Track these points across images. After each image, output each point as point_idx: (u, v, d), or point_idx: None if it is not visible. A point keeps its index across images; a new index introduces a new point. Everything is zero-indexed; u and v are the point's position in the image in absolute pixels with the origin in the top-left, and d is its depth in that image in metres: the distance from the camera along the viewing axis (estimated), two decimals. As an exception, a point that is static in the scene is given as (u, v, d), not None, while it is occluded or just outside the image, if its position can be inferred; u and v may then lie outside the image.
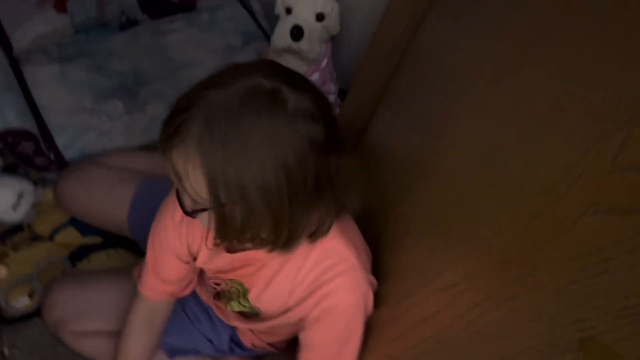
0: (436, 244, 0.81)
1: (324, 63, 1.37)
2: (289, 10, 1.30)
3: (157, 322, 0.98)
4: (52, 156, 1.24)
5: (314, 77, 1.36)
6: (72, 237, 1.24)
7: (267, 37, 1.52)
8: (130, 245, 1.25)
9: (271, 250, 0.73)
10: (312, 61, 1.33)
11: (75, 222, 1.25)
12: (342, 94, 1.52)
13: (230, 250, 0.80)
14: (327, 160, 0.67)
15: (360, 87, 1.28)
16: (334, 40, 1.40)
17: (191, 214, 0.69)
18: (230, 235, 0.68)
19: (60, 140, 1.24)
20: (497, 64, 0.71)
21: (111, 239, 1.25)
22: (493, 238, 0.66)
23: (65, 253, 1.23)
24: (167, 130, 0.64)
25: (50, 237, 1.24)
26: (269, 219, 0.66)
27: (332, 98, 1.44)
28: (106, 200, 1.17)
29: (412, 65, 1.07)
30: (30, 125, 1.12)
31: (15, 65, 1.30)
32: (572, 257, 0.52)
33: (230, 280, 0.88)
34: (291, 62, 1.33)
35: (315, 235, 0.74)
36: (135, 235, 1.18)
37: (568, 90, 0.56)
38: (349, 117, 1.38)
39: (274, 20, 1.40)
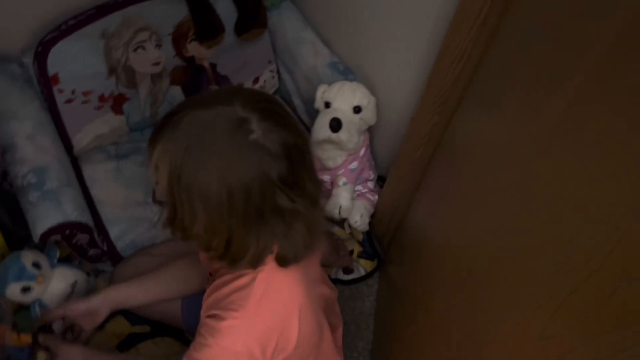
0: (475, 327, 0.81)
1: (362, 152, 1.42)
2: (328, 105, 1.38)
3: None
4: (105, 247, 1.31)
5: (353, 165, 1.41)
6: (122, 326, 1.28)
7: (308, 130, 1.60)
8: (177, 334, 1.28)
9: (215, 258, 0.81)
10: (350, 150, 1.39)
11: (124, 312, 1.28)
12: (381, 180, 1.56)
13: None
14: (276, 196, 0.73)
15: (398, 174, 1.32)
16: (372, 130, 1.47)
17: (157, 201, 0.80)
18: (176, 227, 0.78)
19: (113, 232, 1.30)
20: (528, 148, 0.74)
21: (159, 328, 1.28)
22: (532, 316, 0.66)
23: (115, 342, 1.26)
24: (157, 127, 0.76)
25: (101, 326, 1.28)
26: (207, 225, 0.75)
27: (370, 185, 1.48)
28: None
29: (448, 152, 1.11)
30: (86, 219, 1.19)
31: (75, 163, 1.40)
32: (610, 329, 0.52)
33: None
34: (331, 152, 1.39)
35: (252, 261, 0.79)
36: (188, 322, 1.21)
37: (598, 168, 0.58)
38: (388, 203, 1.41)
39: (314, 115, 1.48)
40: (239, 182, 0.70)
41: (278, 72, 1.65)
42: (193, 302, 1.19)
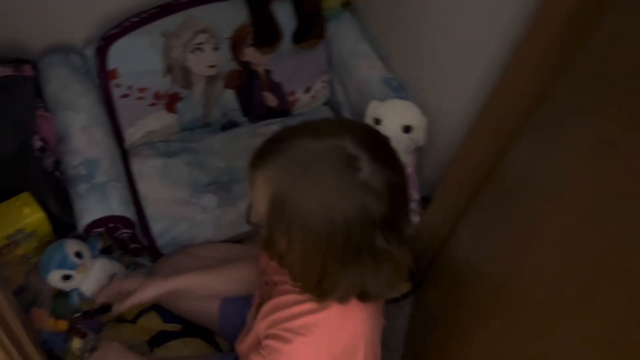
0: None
1: (408, 172, 1.40)
2: (377, 121, 1.36)
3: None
4: (145, 242, 1.33)
5: (398, 185, 1.39)
6: (154, 322, 1.30)
7: (356, 143, 1.59)
8: (207, 336, 1.29)
9: (303, 291, 0.80)
10: (396, 170, 1.37)
11: (157, 308, 1.30)
12: (424, 201, 1.54)
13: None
14: (376, 235, 0.72)
15: (443, 199, 1.29)
16: (419, 150, 1.44)
17: (252, 224, 0.81)
18: (272, 253, 0.79)
19: (155, 228, 1.33)
20: (591, 192, 0.71)
21: (190, 328, 1.29)
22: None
23: (146, 337, 1.28)
24: (261, 151, 0.76)
25: (134, 320, 1.30)
26: (302, 257, 0.74)
27: (413, 206, 1.46)
28: (195, 305, 1.22)
29: (500, 183, 1.08)
30: (130, 214, 1.22)
31: (125, 157, 1.43)
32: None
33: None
34: (376, 170, 1.37)
35: (340, 297, 0.79)
36: (223, 324, 1.22)
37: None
38: (430, 227, 1.39)
39: (363, 128, 1.47)
40: (342, 218, 0.69)
41: (330, 82, 1.64)
42: (231, 306, 1.21)
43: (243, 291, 1.15)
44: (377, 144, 0.74)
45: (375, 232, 0.71)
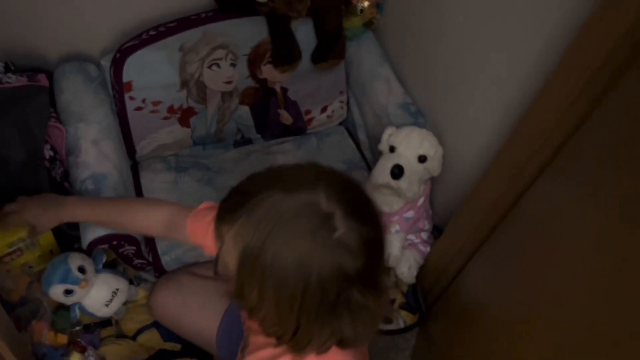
0: None
1: (420, 201, 1.37)
2: (392, 149, 1.33)
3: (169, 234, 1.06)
4: (150, 258, 1.31)
5: (409, 214, 1.36)
6: (154, 340, 1.28)
7: (369, 167, 1.56)
8: (206, 357, 1.27)
9: (277, 344, 0.76)
10: (409, 199, 1.34)
11: (158, 325, 1.29)
12: (435, 229, 1.51)
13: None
14: (351, 291, 0.69)
15: (455, 235, 1.27)
16: (433, 178, 1.41)
17: (219, 275, 0.77)
18: (242, 305, 0.75)
19: (160, 246, 1.31)
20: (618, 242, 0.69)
21: (189, 348, 1.27)
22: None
23: (145, 355, 1.26)
24: (228, 203, 0.73)
25: (134, 337, 1.29)
26: (276, 312, 0.71)
27: (424, 236, 1.43)
28: (200, 313, 1.21)
29: (517, 224, 1.04)
30: (136, 232, 1.20)
31: (134, 169, 1.42)
32: None
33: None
34: (388, 198, 1.34)
35: (317, 348, 0.75)
36: (221, 349, 1.20)
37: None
38: (440, 259, 1.36)
39: (377, 150, 1.44)
40: (317, 277, 0.67)
41: (348, 103, 1.61)
42: (229, 330, 1.19)
43: (156, 233, 1.13)
44: (353, 199, 0.71)
45: (351, 287, 0.69)
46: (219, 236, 0.73)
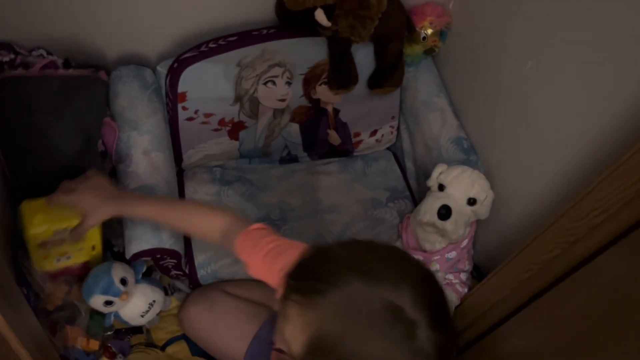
0: None
1: (464, 243, 1.34)
2: (441, 187, 1.31)
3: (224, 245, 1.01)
4: (187, 270, 1.31)
5: (451, 255, 1.33)
6: (182, 353, 1.29)
7: (413, 197, 1.54)
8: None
9: None
10: (453, 241, 1.31)
11: (187, 339, 1.29)
12: (475, 269, 1.48)
13: None
14: None
15: (501, 281, 1.23)
16: (479, 219, 1.38)
17: (277, 349, 0.73)
18: None
19: (198, 259, 1.30)
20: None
21: (217, 366, 1.28)
22: None
23: (172, 366, 1.27)
24: (300, 283, 0.68)
25: (163, 347, 1.29)
26: None
27: (463, 277, 1.40)
28: (229, 334, 1.20)
29: (570, 294, 1.01)
30: (179, 247, 1.20)
31: (180, 176, 1.41)
32: None
33: None
34: (431, 236, 1.32)
35: None
36: None
37: None
38: (479, 303, 1.33)
39: (423, 180, 1.41)
40: None
41: (398, 129, 1.59)
42: (258, 354, 1.18)
43: (211, 240, 1.06)
44: (436, 304, 0.67)
45: None
46: (284, 313, 0.69)
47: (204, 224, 1.04)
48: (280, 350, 0.73)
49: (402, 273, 0.67)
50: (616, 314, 0.81)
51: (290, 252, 0.88)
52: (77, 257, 1.20)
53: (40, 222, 1.03)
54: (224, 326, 1.23)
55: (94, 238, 1.18)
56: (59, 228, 1.11)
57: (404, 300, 0.63)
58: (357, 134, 1.55)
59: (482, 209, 1.30)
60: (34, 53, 1.25)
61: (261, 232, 0.97)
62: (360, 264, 0.67)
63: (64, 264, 1.17)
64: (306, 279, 0.68)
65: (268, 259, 0.92)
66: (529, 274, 1.12)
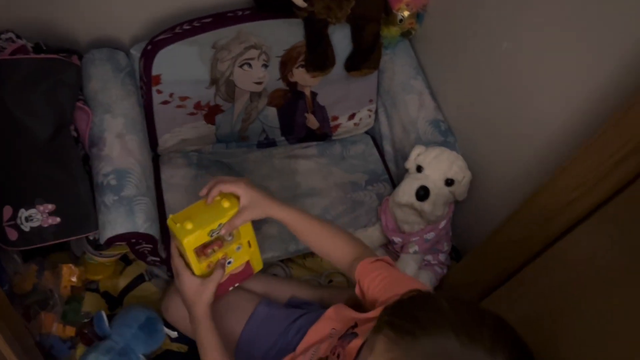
0: None
1: (442, 224, 1.35)
2: (419, 169, 1.31)
3: None
4: (164, 254, 1.29)
5: (429, 236, 1.34)
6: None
7: (392, 180, 1.53)
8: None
9: None
10: (431, 222, 1.32)
11: (168, 325, 1.28)
12: (454, 250, 1.48)
13: None
14: None
15: (478, 261, 1.24)
16: (457, 200, 1.38)
17: None
18: None
19: (176, 243, 1.29)
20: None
21: (195, 351, 1.26)
22: None
23: (151, 355, 1.25)
24: (396, 319, 0.67)
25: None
26: None
27: (442, 258, 1.41)
28: (220, 320, 1.16)
29: (547, 268, 1.02)
30: (154, 231, 1.18)
31: (155, 162, 1.39)
32: None
33: None
34: (410, 218, 1.32)
35: None
36: (241, 353, 1.17)
37: None
38: (457, 283, 1.34)
39: (401, 163, 1.41)
40: None
41: (376, 112, 1.58)
42: (249, 344, 1.16)
43: (340, 265, 1.06)
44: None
45: None
46: (371, 344, 0.68)
47: (337, 249, 1.06)
48: None
49: (501, 339, 0.64)
50: (591, 286, 0.82)
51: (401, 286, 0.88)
52: (237, 258, 1.12)
53: (192, 228, 0.98)
54: (213, 313, 1.21)
55: (248, 233, 1.11)
56: (213, 228, 1.02)
57: None
58: (335, 118, 1.54)
59: (460, 190, 1.31)
60: (3, 36, 1.22)
61: (382, 264, 0.98)
62: (461, 321, 0.65)
63: (227, 270, 1.10)
64: (404, 318, 0.67)
65: (383, 284, 0.93)
66: (507, 253, 1.12)
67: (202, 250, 1.04)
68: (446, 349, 0.61)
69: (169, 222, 1.00)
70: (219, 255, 1.06)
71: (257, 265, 1.18)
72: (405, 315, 0.67)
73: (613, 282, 0.79)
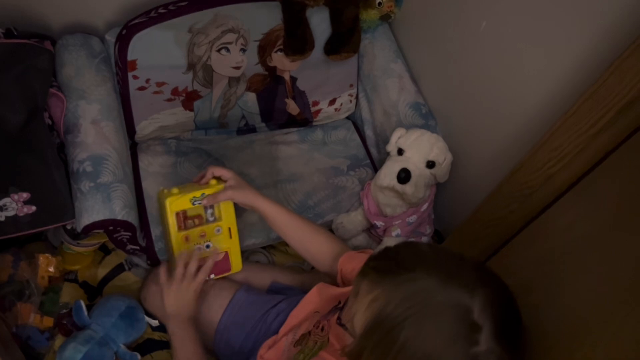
0: None
1: (424, 206, 1.34)
2: (400, 152, 1.30)
3: None
4: (144, 243, 1.28)
5: (412, 219, 1.33)
6: (142, 329, 1.25)
7: (374, 165, 1.53)
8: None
9: None
10: (413, 204, 1.31)
11: (149, 314, 1.26)
12: (436, 234, 1.48)
13: None
14: None
15: (460, 241, 1.24)
16: (439, 183, 1.38)
17: (341, 324, 0.77)
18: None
19: (155, 231, 1.27)
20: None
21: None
22: None
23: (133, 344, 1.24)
24: (379, 263, 0.70)
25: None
26: None
27: (424, 240, 1.40)
28: (199, 308, 1.15)
29: (530, 244, 1.01)
30: (132, 218, 1.16)
31: (133, 150, 1.37)
32: None
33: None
34: (392, 201, 1.31)
35: None
36: (218, 347, 1.17)
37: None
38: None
39: (383, 148, 1.40)
40: None
41: (357, 97, 1.57)
42: (227, 331, 1.15)
43: (321, 262, 1.11)
44: (506, 320, 0.66)
45: None
46: (356, 289, 0.70)
47: (321, 246, 1.10)
48: (343, 326, 0.76)
49: (482, 281, 0.66)
50: (572, 256, 0.81)
51: None
52: (216, 242, 1.19)
53: (177, 192, 1.11)
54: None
55: (229, 218, 1.20)
56: (196, 195, 1.13)
57: (473, 303, 0.63)
58: (315, 103, 1.52)
59: (441, 172, 1.30)
60: (-28, 22, 1.19)
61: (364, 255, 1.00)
62: (443, 263, 0.67)
63: (205, 254, 1.17)
64: (386, 260, 0.70)
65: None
66: (489, 231, 1.12)
67: (182, 221, 1.15)
68: (426, 286, 0.64)
69: (159, 192, 1.15)
70: (198, 230, 1.16)
71: (236, 266, 1.24)
72: (389, 258, 0.70)
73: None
